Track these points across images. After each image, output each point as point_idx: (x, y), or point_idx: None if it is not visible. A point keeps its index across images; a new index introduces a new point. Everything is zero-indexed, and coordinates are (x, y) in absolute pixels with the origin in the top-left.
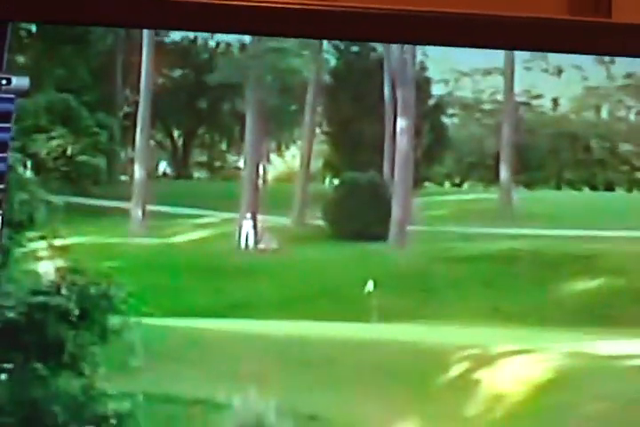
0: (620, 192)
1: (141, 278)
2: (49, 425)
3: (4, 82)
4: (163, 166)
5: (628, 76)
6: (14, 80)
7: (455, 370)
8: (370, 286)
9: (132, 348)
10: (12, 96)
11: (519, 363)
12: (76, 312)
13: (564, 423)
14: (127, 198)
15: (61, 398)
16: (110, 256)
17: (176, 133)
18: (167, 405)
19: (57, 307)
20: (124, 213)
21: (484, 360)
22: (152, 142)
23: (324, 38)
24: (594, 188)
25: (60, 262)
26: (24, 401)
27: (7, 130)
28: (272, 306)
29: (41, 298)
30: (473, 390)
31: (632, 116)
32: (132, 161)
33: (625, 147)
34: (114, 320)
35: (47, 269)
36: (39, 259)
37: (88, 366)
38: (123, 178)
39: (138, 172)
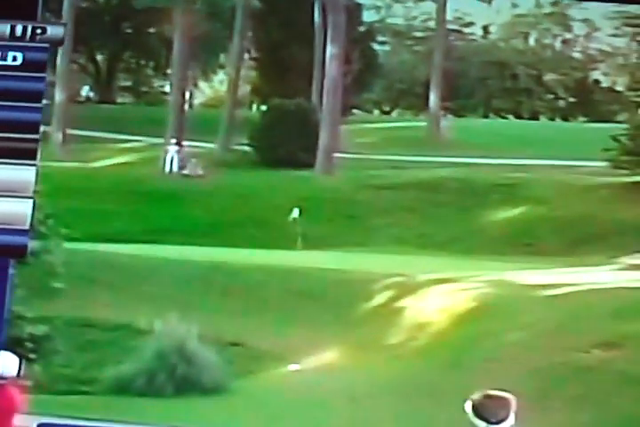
0: (543, 121)
1: (62, 202)
2: None
3: (38, 31)
4: (86, 91)
5: (555, 3)
6: (49, 29)
7: (380, 298)
8: (295, 213)
9: (53, 270)
10: (46, 45)
11: (443, 292)
12: None
13: (485, 351)
14: (48, 123)
15: None
16: None
17: (100, 57)
18: (87, 329)
19: None
20: (45, 138)
21: (409, 288)
22: (74, 66)
23: None
24: (519, 117)
25: None
26: None
27: (42, 79)
28: (197, 232)
29: None
30: (397, 318)
31: (558, 44)
32: (52, 85)
33: (550, 76)
34: (32, 243)
35: None
36: None
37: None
38: (43, 102)
39: (58, 95)
